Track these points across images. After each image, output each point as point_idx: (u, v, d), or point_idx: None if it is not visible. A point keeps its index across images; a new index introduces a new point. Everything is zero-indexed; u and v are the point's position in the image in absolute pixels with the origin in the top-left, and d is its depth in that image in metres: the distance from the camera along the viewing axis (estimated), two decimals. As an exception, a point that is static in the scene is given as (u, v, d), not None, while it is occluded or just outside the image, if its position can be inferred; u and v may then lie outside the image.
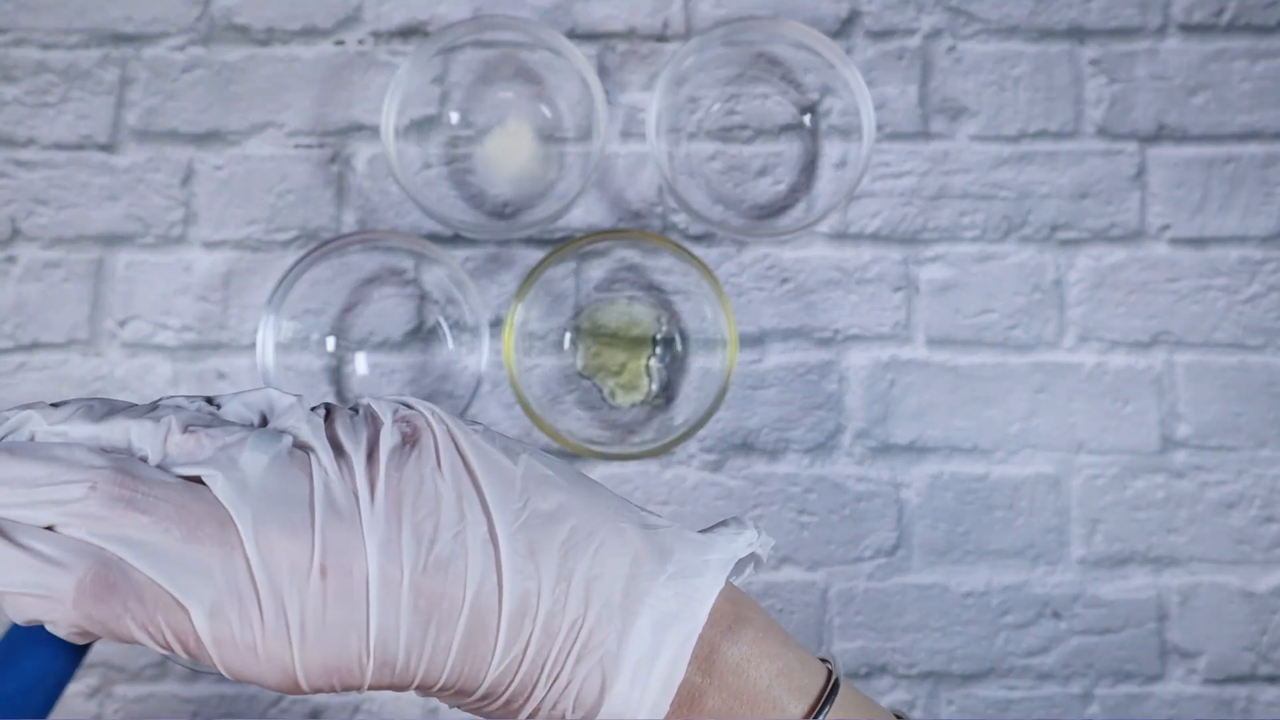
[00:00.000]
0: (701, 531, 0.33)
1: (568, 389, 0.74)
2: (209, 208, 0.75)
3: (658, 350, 0.74)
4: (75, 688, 0.71)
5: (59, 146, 0.75)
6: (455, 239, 0.74)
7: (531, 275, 0.71)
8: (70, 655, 0.29)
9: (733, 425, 0.73)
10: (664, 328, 0.74)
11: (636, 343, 0.74)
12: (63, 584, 0.27)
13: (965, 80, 0.75)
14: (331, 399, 0.73)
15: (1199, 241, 0.74)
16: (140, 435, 0.29)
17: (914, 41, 0.76)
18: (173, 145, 0.75)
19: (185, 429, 0.29)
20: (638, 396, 0.73)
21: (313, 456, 0.29)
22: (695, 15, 0.76)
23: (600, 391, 0.74)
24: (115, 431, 0.29)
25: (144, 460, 0.29)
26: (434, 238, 0.74)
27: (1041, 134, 0.75)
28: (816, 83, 0.75)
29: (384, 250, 0.74)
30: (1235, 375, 0.74)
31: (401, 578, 0.28)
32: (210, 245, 0.74)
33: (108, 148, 0.75)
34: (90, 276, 0.74)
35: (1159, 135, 0.75)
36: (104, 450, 0.29)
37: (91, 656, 0.72)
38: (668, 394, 0.73)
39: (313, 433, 0.30)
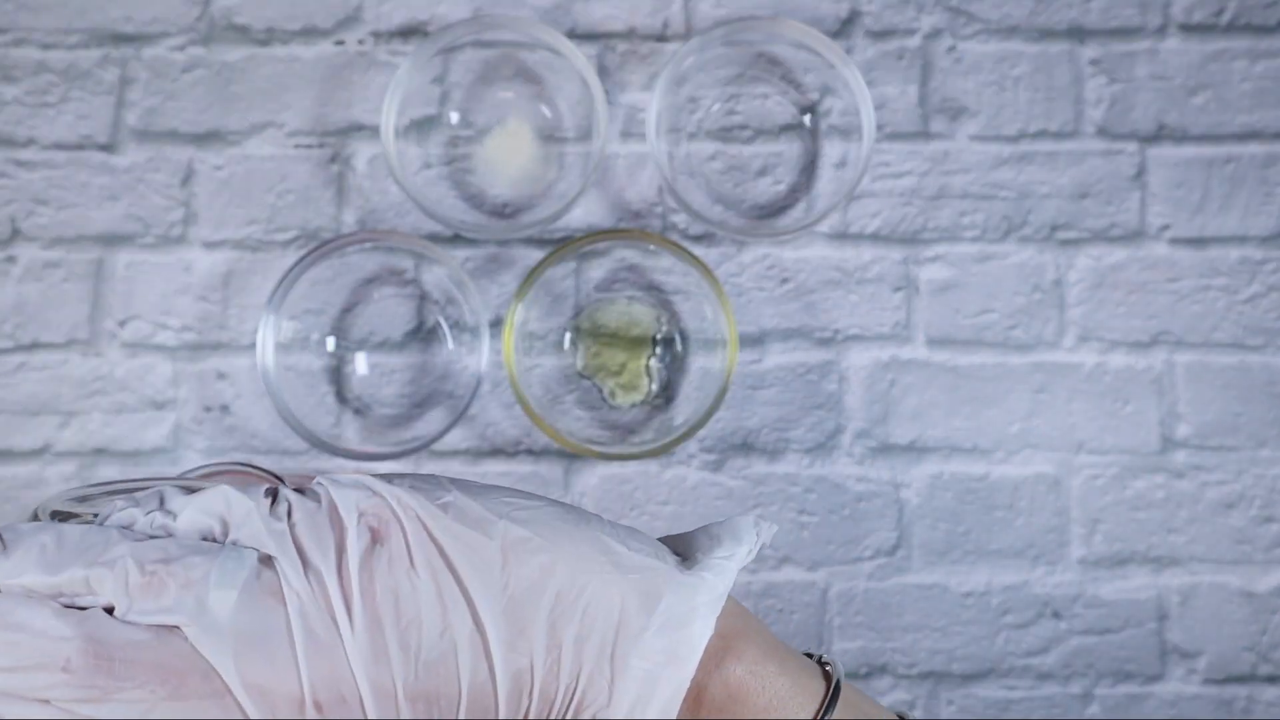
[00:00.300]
0: (698, 535, 0.33)
1: (568, 389, 0.74)
2: (209, 208, 0.75)
3: (658, 350, 0.74)
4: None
5: (59, 146, 0.75)
6: (455, 239, 0.74)
7: (531, 275, 0.71)
8: None
9: (733, 425, 0.73)
10: (664, 328, 0.74)
11: (636, 343, 0.74)
12: None
13: (965, 80, 0.75)
14: (331, 399, 0.73)
15: (1199, 241, 0.74)
16: (100, 584, 0.28)
17: (914, 41, 0.76)
18: (173, 145, 0.75)
19: (143, 570, 0.28)
20: (638, 396, 0.73)
21: (281, 577, 0.28)
22: (695, 15, 0.76)
23: (600, 391, 0.74)
24: (75, 584, 0.28)
25: (110, 611, 0.28)
26: (434, 238, 0.74)
27: (1041, 134, 0.75)
28: (816, 83, 0.75)
29: (384, 250, 0.74)
30: (1235, 375, 0.74)
31: (395, 690, 0.28)
32: (210, 245, 0.74)
33: (108, 148, 0.75)
34: (90, 276, 0.74)
35: (1159, 135, 0.75)
36: (69, 607, 0.28)
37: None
38: (668, 394, 0.73)
39: (277, 545, 0.29)
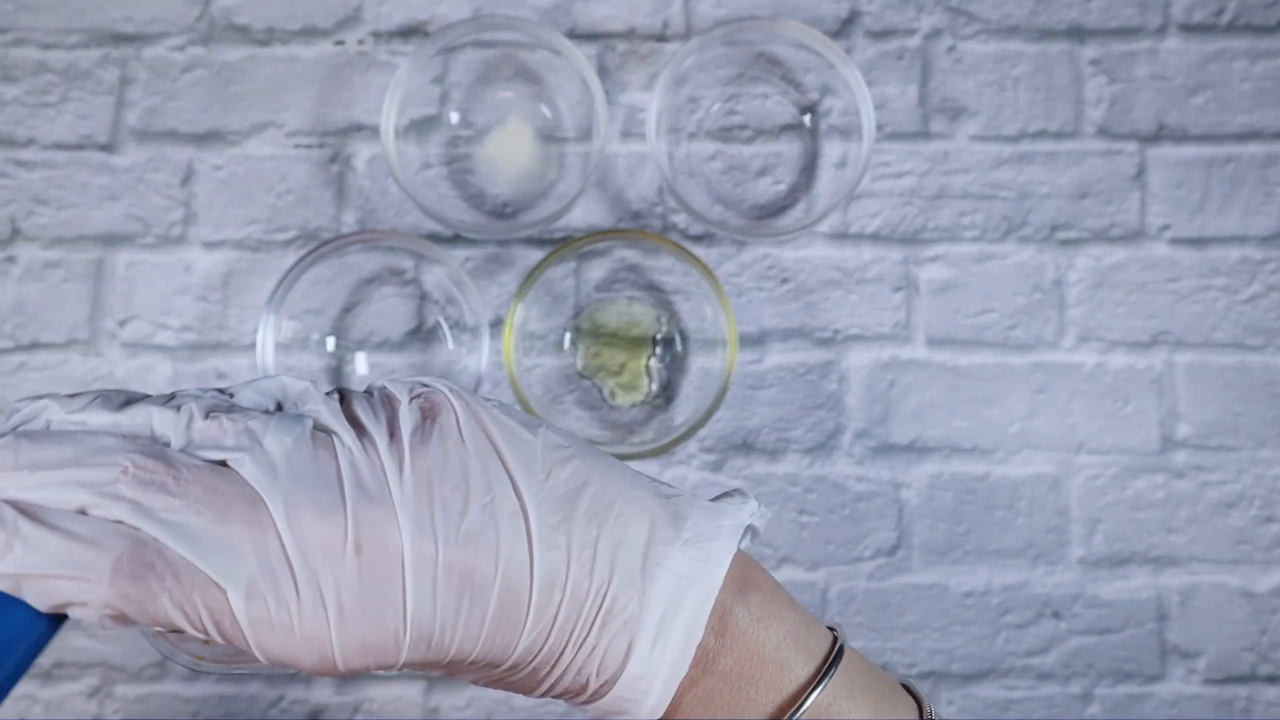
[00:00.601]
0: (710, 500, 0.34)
1: (568, 389, 0.74)
2: (209, 208, 0.75)
3: (658, 350, 0.74)
4: (75, 687, 0.71)
5: (59, 146, 0.75)
6: (455, 239, 0.74)
7: (531, 275, 0.71)
8: (48, 621, 0.28)
9: (733, 425, 0.73)
10: (664, 328, 0.74)
11: (636, 343, 0.74)
12: (98, 564, 0.27)
13: (965, 80, 0.75)
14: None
15: (1199, 241, 0.74)
16: (162, 422, 0.29)
17: (914, 41, 0.76)
18: (173, 145, 0.75)
19: (206, 414, 0.29)
20: (638, 396, 0.73)
21: (335, 438, 0.29)
22: (695, 15, 0.76)
23: (600, 391, 0.74)
24: (136, 419, 0.29)
25: (168, 446, 0.29)
26: (434, 238, 0.74)
27: (1041, 134, 0.75)
28: (816, 83, 0.75)
29: (384, 250, 0.74)
30: (1235, 375, 0.74)
31: (435, 554, 0.28)
32: (210, 245, 0.74)
33: (108, 148, 0.75)
34: (90, 276, 0.74)
35: (1159, 135, 0.75)
36: (127, 438, 0.29)
37: (91, 656, 0.72)
38: (668, 394, 0.74)
39: (332, 415, 0.30)
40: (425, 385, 0.31)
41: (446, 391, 0.31)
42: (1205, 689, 0.72)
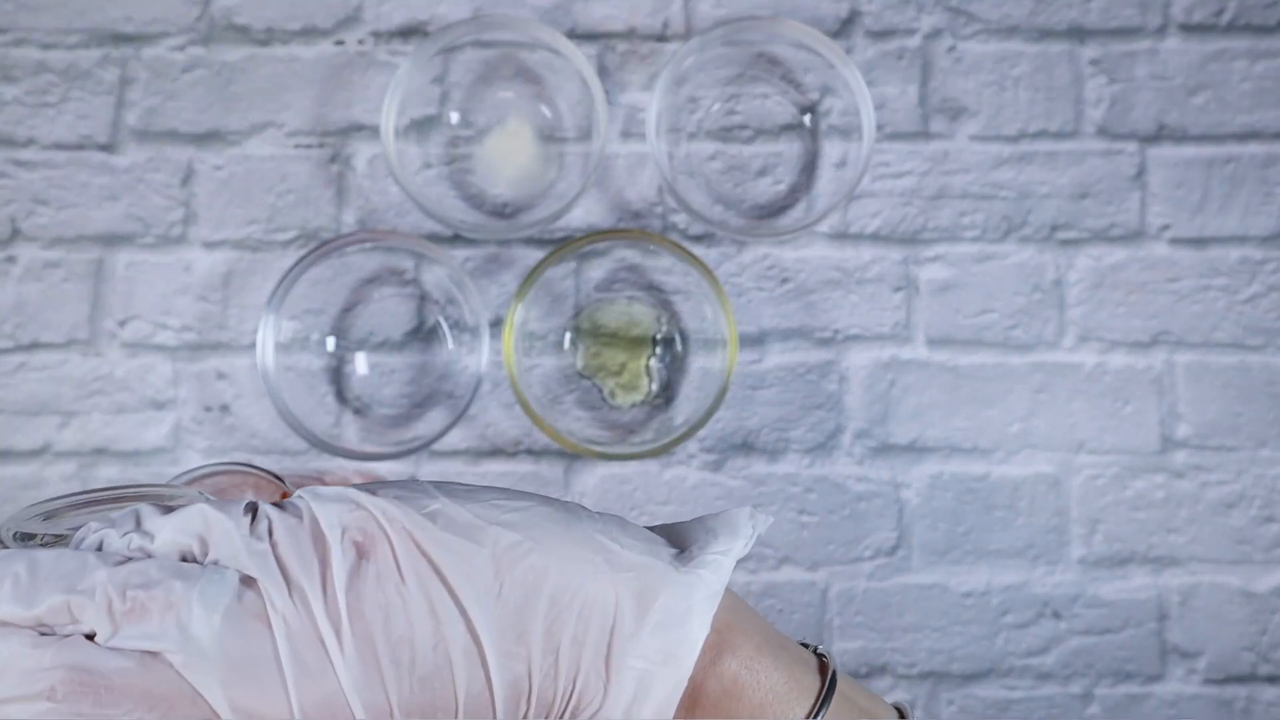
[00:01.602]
0: (695, 526, 0.33)
1: (568, 389, 0.74)
2: (209, 208, 0.75)
3: (658, 350, 0.74)
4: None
5: (59, 146, 0.75)
6: (455, 239, 0.74)
7: (531, 275, 0.71)
8: None
9: (733, 425, 0.73)
10: (664, 328, 0.74)
11: (636, 343, 0.74)
12: None
13: (965, 80, 0.75)
14: (331, 399, 0.73)
15: (1199, 241, 0.74)
16: (80, 611, 0.27)
17: (914, 41, 0.76)
18: (173, 145, 0.75)
19: (124, 595, 0.27)
20: (638, 396, 0.73)
21: (266, 599, 0.27)
22: (695, 15, 0.76)
23: (600, 391, 0.74)
24: (55, 613, 0.27)
25: (93, 637, 0.27)
26: (434, 238, 0.74)
27: (1041, 134, 0.75)
28: (816, 83, 0.75)
29: (384, 250, 0.74)
30: (1235, 375, 0.74)
31: (390, 708, 0.27)
32: (210, 245, 0.74)
33: (108, 148, 0.75)
34: (90, 276, 0.74)
35: (1159, 135, 0.75)
36: (49, 635, 0.27)
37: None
38: (668, 394, 0.73)
39: (259, 567, 0.28)
40: (356, 504, 0.29)
41: (379, 516, 0.29)
42: (1205, 689, 0.72)
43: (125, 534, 0.29)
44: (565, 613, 0.29)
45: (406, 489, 0.30)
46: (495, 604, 0.29)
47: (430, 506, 0.30)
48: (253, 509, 0.29)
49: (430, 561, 0.29)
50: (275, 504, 0.30)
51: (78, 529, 0.30)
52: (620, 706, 0.29)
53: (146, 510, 0.30)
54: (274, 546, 0.28)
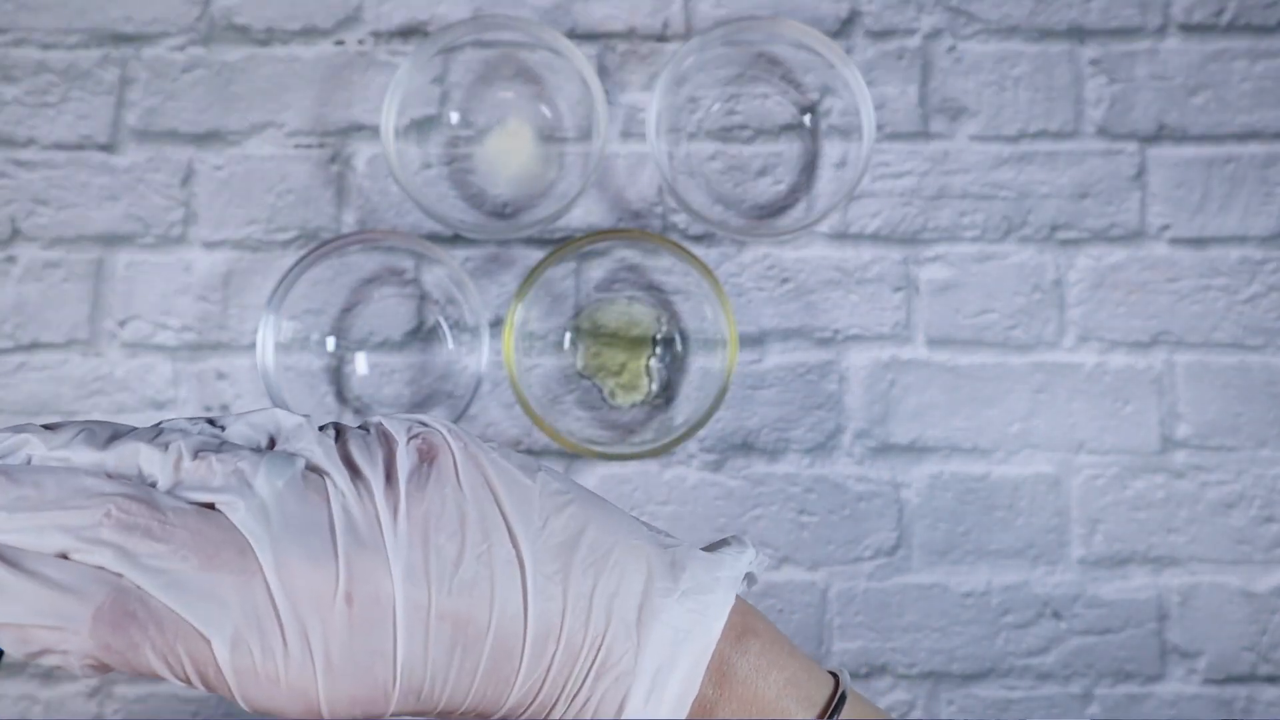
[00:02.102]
0: (706, 549, 0.34)
1: (568, 389, 0.74)
2: (209, 208, 0.75)
3: (658, 350, 0.74)
4: (75, 688, 0.71)
5: (59, 146, 0.75)
6: (455, 239, 0.74)
7: (531, 275, 0.71)
8: None
9: (733, 425, 0.73)
10: (664, 328, 0.74)
11: (636, 343, 0.74)
12: (78, 613, 0.26)
13: (965, 80, 0.75)
14: (331, 399, 0.73)
15: (1199, 241, 0.74)
16: (149, 461, 0.28)
17: (914, 41, 0.76)
18: (173, 145, 0.75)
19: (195, 454, 0.28)
20: (638, 396, 0.73)
21: (328, 480, 0.28)
22: (695, 15, 0.76)
23: (600, 391, 0.74)
24: (123, 457, 0.28)
25: (154, 487, 0.28)
26: (434, 238, 0.74)
27: (1041, 134, 0.75)
28: (816, 83, 0.75)
29: (384, 250, 0.74)
30: (1235, 375, 0.74)
31: (428, 603, 0.28)
32: (210, 245, 0.74)
33: (108, 148, 0.75)
34: (90, 276, 0.74)
35: (1159, 135, 0.75)
36: (112, 477, 0.28)
37: (91, 656, 0.72)
38: (668, 394, 0.74)
39: (325, 455, 0.29)
40: (424, 425, 0.30)
41: (445, 432, 0.30)
42: (1205, 689, 0.72)
43: (197, 423, 0.30)
44: (601, 562, 0.30)
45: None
46: (540, 534, 0.29)
47: (489, 443, 0.31)
48: (321, 426, 0.31)
49: (487, 479, 0.29)
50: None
51: None
52: (649, 668, 0.29)
53: (219, 414, 0.31)
54: (342, 444, 0.29)
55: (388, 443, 0.30)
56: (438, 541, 0.28)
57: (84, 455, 0.28)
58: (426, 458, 0.29)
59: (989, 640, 0.72)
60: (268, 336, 0.71)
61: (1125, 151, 0.75)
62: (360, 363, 0.74)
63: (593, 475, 0.73)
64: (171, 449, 0.28)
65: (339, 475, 0.28)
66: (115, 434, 0.29)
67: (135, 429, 0.29)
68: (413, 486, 0.29)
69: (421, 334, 0.74)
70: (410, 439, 0.30)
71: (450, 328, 0.74)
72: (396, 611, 0.28)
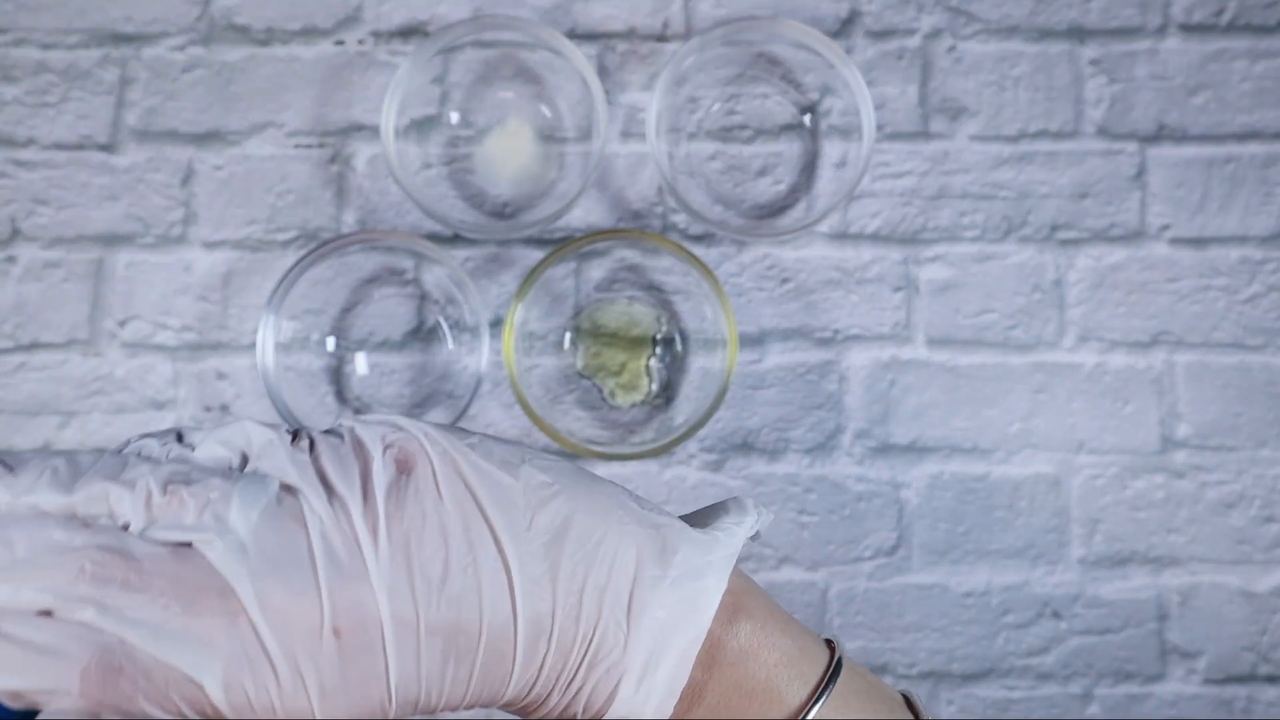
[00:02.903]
0: (703, 512, 0.33)
1: (568, 389, 0.74)
2: (209, 208, 0.75)
3: (658, 350, 0.74)
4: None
5: (59, 146, 0.75)
6: (455, 239, 0.74)
7: (531, 275, 0.71)
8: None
9: (733, 425, 0.73)
10: (664, 328, 0.74)
11: (636, 343, 0.74)
12: (66, 674, 0.25)
13: (965, 80, 0.75)
14: (331, 399, 0.73)
15: (1199, 241, 0.74)
16: (119, 501, 0.27)
17: (914, 41, 0.76)
18: (173, 145, 0.75)
19: (164, 489, 0.27)
20: (638, 396, 0.73)
21: (304, 502, 0.28)
22: (695, 15, 0.76)
23: (600, 391, 0.74)
24: (92, 498, 0.27)
25: (126, 528, 0.27)
26: (434, 238, 0.74)
27: (1041, 134, 0.75)
28: (816, 83, 0.75)
29: (384, 250, 0.74)
30: (1235, 375, 0.74)
31: (417, 621, 0.27)
32: (210, 245, 0.74)
33: (108, 148, 0.75)
34: (90, 276, 0.74)
35: (1159, 135, 0.75)
36: (82, 523, 0.27)
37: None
38: (668, 394, 0.73)
39: (299, 474, 0.28)
40: (399, 429, 0.29)
41: (422, 438, 0.29)
42: (1205, 689, 0.72)
43: (165, 444, 0.29)
44: (590, 555, 0.29)
45: (446, 428, 0.31)
46: (525, 535, 0.29)
47: (469, 439, 0.30)
48: (293, 432, 0.30)
49: (467, 485, 0.29)
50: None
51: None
52: (639, 658, 0.29)
53: (186, 427, 0.30)
54: (315, 459, 0.28)
55: (363, 455, 0.29)
56: (421, 559, 0.28)
57: (51, 499, 0.27)
58: (404, 469, 0.29)
59: (989, 640, 0.72)
60: (268, 336, 0.71)
61: (1125, 151, 0.75)
62: (360, 363, 0.74)
63: (593, 475, 0.73)
64: (140, 487, 0.27)
65: (315, 497, 0.28)
66: (77, 469, 0.28)
67: (102, 456, 0.28)
68: (391, 505, 0.28)
69: (421, 334, 0.74)
70: (386, 448, 0.29)
71: (450, 328, 0.74)
72: (385, 634, 0.27)
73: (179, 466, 0.28)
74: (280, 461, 0.28)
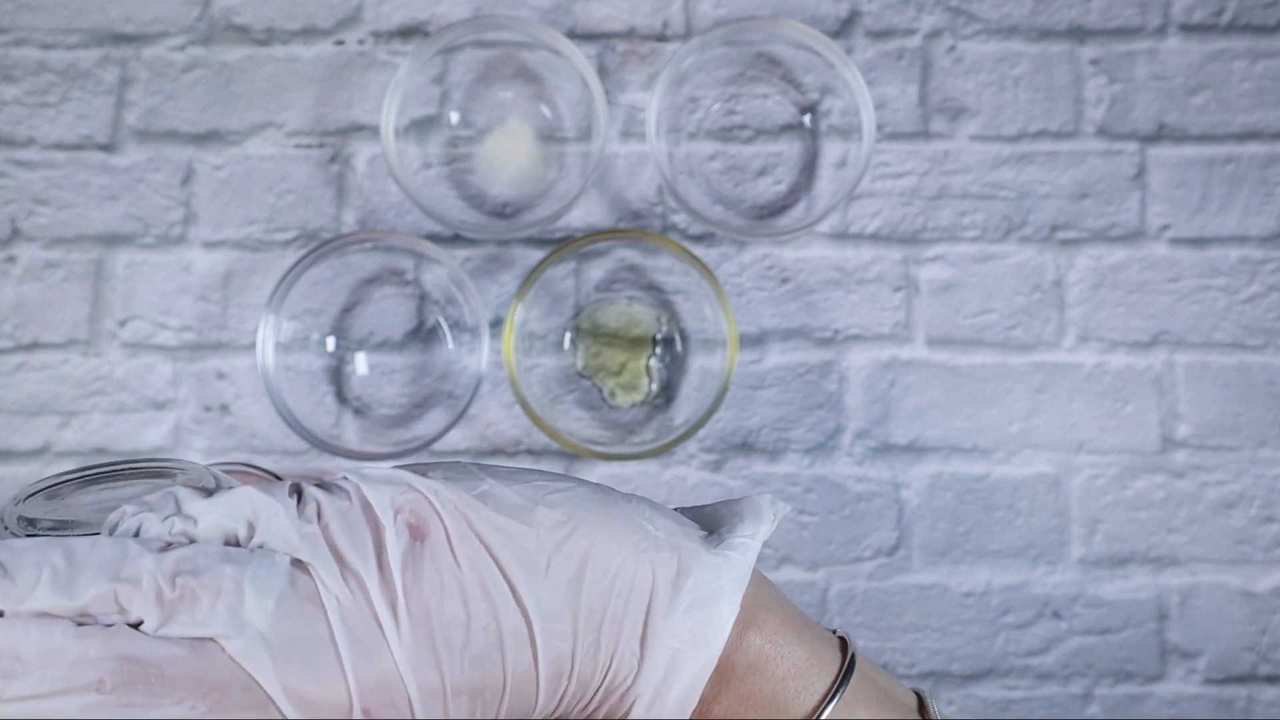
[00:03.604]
0: (721, 511, 0.33)
1: (568, 389, 0.74)
2: (209, 208, 0.75)
3: (658, 350, 0.74)
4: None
5: (59, 146, 0.75)
6: (455, 239, 0.74)
7: (531, 275, 0.71)
8: None
9: (733, 425, 0.73)
10: (664, 328, 0.74)
11: (636, 343, 0.74)
12: None
13: (965, 80, 0.75)
14: (331, 399, 0.73)
15: (1199, 241, 0.74)
16: (128, 600, 0.26)
17: (914, 41, 0.76)
18: (173, 145, 0.75)
19: (173, 582, 0.27)
20: (638, 396, 0.73)
21: (318, 580, 0.27)
22: (695, 15, 0.76)
23: (600, 391, 0.74)
24: (101, 601, 0.26)
25: (139, 625, 0.26)
26: (434, 238, 0.74)
27: (1041, 134, 0.75)
28: (816, 83, 0.75)
29: (384, 250, 0.74)
30: (1235, 375, 0.74)
31: (443, 687, 0.28)
32: (210, 245, 0.74)
33: (108, 148, 0.75)
34: (90, 276, 0.74)
35: (1159, 135, 0.75)
36: (92, 626, 0.26)
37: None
38: (668, 394, 0.73)
39: (311, 550, 0.27)
40: (409, 487, 0.29)
41: (433, 499, 0.29)
42: (1205, 689, 0.72)
43: (166, 518, 0.28)
44: (608, 589, 0.30)
45: (454, 470, 0.30)
46: (543, 583, 0.29)
47: (479, 488, 0.30)
48: (297, 491, 0.29)
49: (483, 543, 0.29)
50: (319, 485, 0.29)
51: (82, 512, 0.30)
52: (651, 684, 0.30)
53: (185, 493, 0.29)
54: (324, 529, 0.28)
55: (374, 521, 0.28)
56: (442, 627, 0.28)
57: (56, 604, 0.26)
58: (417, 535, 0.28)
59: (989, 640, 0.72)
60: (268, 336, 0.71)
61: (1125, 151, 0.75)
62: (360, 363, 0.74)
63: (592, 475, 0.73)
64: (147, 584, 0.27)
65: (329, 575, 0.27)
66: (77, 563, 0.27)
67: (98, 543, 0.27)
68: (409, 578, 0.28)
69: (421, 334, 0.74)
70: (397, 514, 0.28)
71: (450, 328, 0.74)
72: (413, 704, 0.27)
73: (184, 553, 0.27)
74: (288, 534, 0.28)
